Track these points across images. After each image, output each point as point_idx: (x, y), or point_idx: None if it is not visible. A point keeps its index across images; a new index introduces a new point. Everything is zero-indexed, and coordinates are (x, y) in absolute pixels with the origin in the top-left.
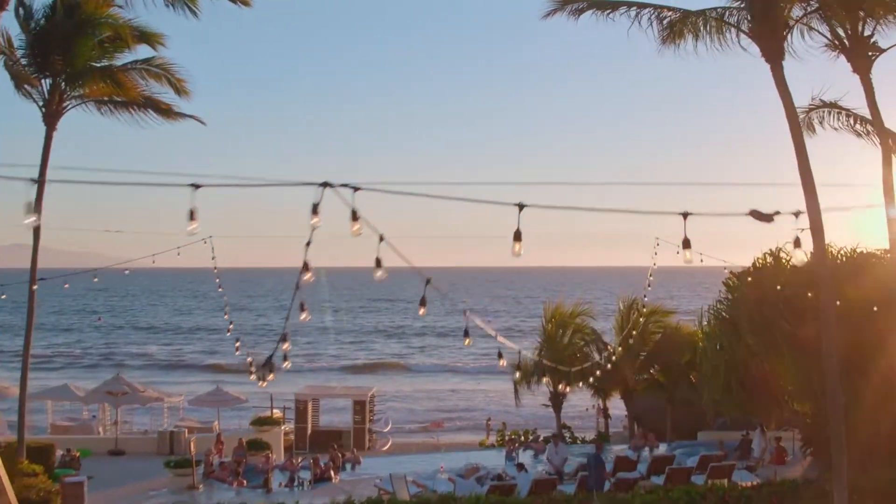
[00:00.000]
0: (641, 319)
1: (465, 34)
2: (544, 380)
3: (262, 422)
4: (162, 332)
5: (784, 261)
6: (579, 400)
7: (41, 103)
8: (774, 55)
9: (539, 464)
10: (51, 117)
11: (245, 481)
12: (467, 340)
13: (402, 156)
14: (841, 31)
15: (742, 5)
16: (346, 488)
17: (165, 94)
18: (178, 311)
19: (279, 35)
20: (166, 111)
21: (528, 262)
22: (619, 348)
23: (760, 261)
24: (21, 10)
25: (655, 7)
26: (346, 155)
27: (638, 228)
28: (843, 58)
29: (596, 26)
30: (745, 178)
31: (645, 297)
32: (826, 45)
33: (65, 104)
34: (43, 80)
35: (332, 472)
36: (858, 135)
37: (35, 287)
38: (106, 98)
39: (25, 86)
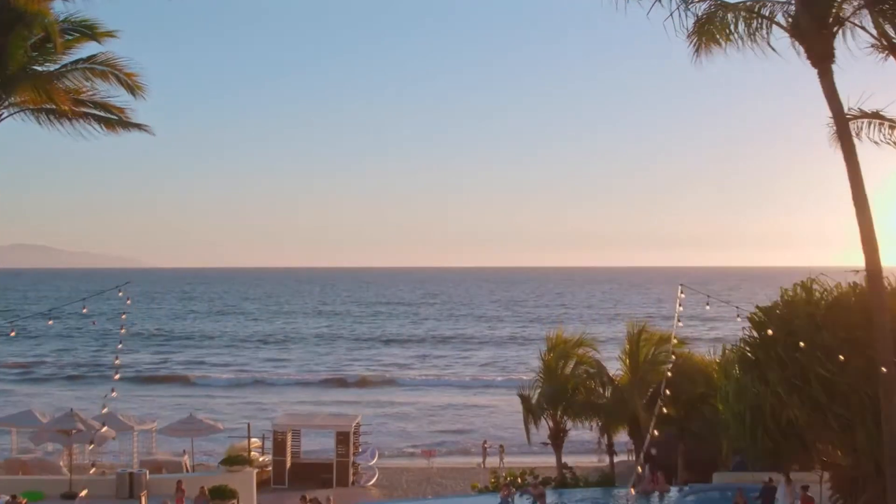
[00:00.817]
0: (654, 347)
1: (466, 36)
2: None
3: (233, 461)
4: (154, 339)
5: (818, 293)
6: (580, 435)
7: None
8: (823, 57)
9: None
10: None
11: None
12: None
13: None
14: (891, 30)
15: None
16: None
17: (118, 97)
18: (174, 315)
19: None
20: (110, 122)
21: (528, 262)
22: (627, 378)
23: (790, 293)
24: None
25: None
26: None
27: (632, 229)
28: (890, 59)
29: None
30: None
31: (673, 339)
32: (872, 46)
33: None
34: None
35: None
36: None
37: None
38: (45, 106)
39: None
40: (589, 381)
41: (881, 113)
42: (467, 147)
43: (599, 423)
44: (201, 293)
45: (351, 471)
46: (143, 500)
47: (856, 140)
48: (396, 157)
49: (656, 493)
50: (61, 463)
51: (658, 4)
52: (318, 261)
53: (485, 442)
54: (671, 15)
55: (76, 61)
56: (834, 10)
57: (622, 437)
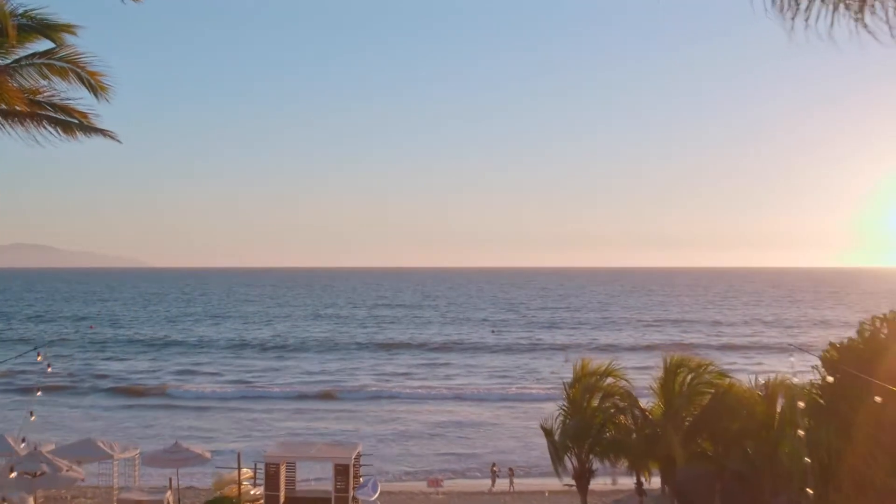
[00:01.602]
0: (691, 375)
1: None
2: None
3: (219, 502)
4: (149, 346)
5: None
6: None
7: None
8: None
9: None
10: None
11: None
12: None
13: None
14: None
15: None
16: None
17: (80, 100)
18: (170, 318)
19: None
20: (69, 126)
21: (528, 262)
22: (660, 411)
23: (868, 326)
24: None
25: None
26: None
27: (634, 230)
28: None
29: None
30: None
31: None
32: None
33: None
34: None
35: None
36: None
37: None
38: None
39: None
40: (618, 415)
41: None
42: (468, 147)
43: (628, 463)
44: (200, 295)
45: None
46: None
47: None
48: (397, 157)
49: None
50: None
51: None
52: (318, 261)
53: (493, 465)
54: None
55: (31, 55)
56: None
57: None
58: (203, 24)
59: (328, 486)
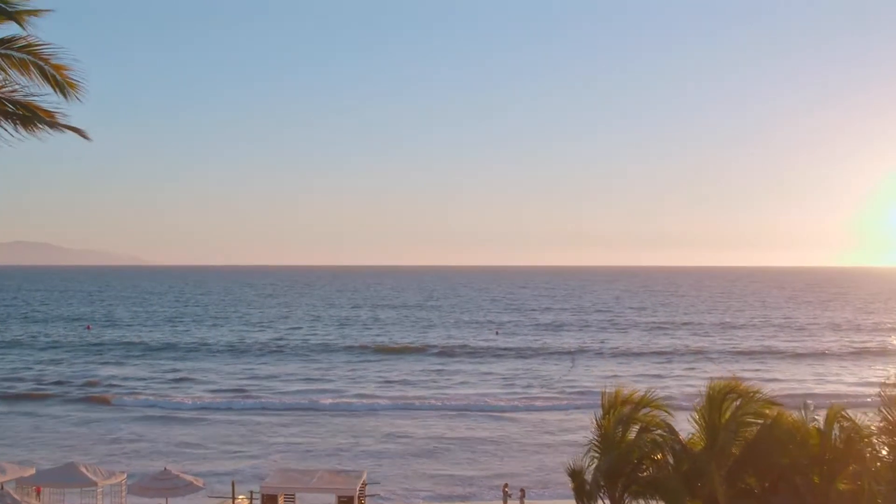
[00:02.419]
0: (736, 403)
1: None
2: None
3: None
4: (145, 351)
5: None
6: None
7: None
8: None
9: None
10: None
11: None
12: None
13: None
14: None
15: None
16: None
17: (46, 97)
18: (168, 320)
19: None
20: (29, 121)
21: (528, 261)
22: (701, 445)
23: None
24: None
25: None
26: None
27: (633, 229)
28: None
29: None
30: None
31: None
32: None
33: None
34: None
35: None
36: None
37: None
38: None
39: None
40: (656, 451)
41: None
42: (468, 147)
43: (664, 503)
44: (200, 295)
45: None
46: None
47: None
48: (397, 157)
49: None
50: None
51: None
52: (319, 260)
53: (505, 485)
54: None
55: None
56: None
57: None
58: (203, 24)
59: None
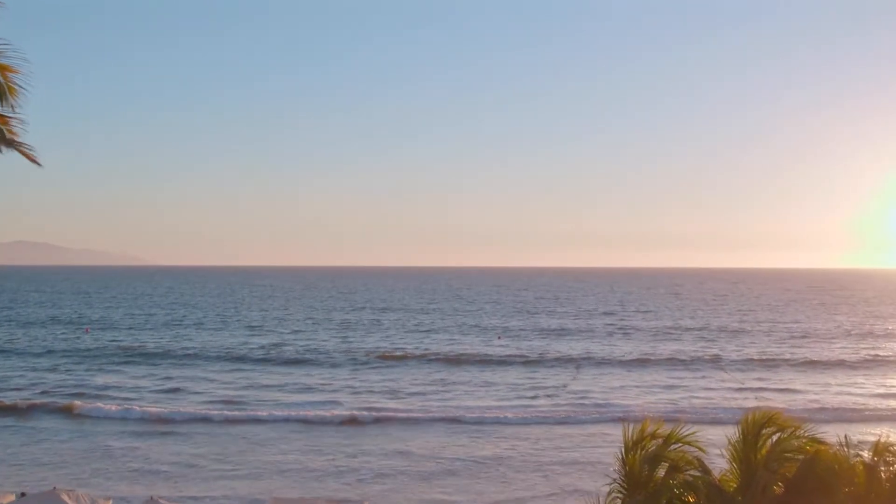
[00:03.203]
0: (774, 437)
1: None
2: None
3: None
4: (142, 356)
5: None
6: None
7: None
8: None
9: None
10: None
11: None
12: None
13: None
14: None
15: None
16: None
17: None
18: (166, 324)
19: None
20: None
21: (527, 262)
22: (736, 483)
23: None
24: None
25: None
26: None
27: (633, 230)
28: None
29: None
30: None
31: None
32: None
33: None
34: None
35: None
36: None
37: None
38: None
39: None
40: (688, 493)
41: None
42: (468, 147)
43: None
44: (200, 297)
45: None
46: None
47: None
48: (397, 158)
49: None
50: None
51: None
52: (319, 260)
53: None
54: None
55: None
56: None
57: None
58: (203, 24)
59: None
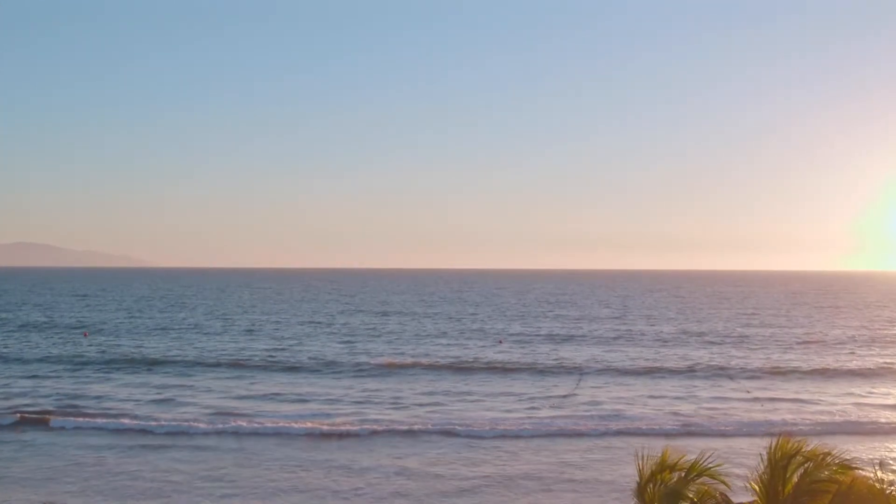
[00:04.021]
0: (803, 467)
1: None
2: None
3: None
4: (139, 363)
5: None
6: None
7: None
8: None
9: None
10: None
11: None
12: None
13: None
14: None
15: None
16: None
17: None
18: (166, 329)
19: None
20: None
21: (526, 264)
22: None
23: None
24: None
25: None
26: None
27: (633, 231)
28: None
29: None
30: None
31: None
32: None
33: None
34: None
35: None
36: None
37: None
38: None
39: None
40: None
41: None
42: (469, 149)
43: None
44: (200, 301)
45: None
46: None
47: None
48: (398, 159)
49: None
50: None
51: None
52: (320, 262)
53: None
54: None
55: None
56: None
57: None
58: (202, 24)
59: None
